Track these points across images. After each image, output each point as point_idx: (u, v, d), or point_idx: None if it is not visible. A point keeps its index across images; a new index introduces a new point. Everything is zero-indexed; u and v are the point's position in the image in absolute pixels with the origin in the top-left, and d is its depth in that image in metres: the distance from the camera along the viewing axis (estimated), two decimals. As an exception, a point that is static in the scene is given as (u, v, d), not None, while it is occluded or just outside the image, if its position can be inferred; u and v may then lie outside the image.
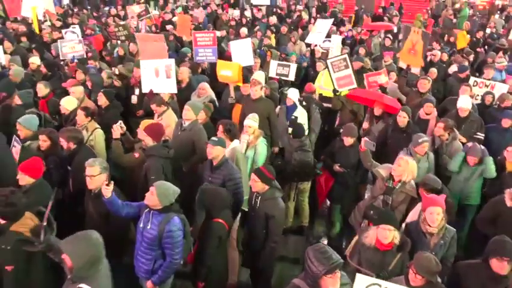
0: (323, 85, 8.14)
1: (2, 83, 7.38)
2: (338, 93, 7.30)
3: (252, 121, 5.64)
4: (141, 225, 3.87)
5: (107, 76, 7.62)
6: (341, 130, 6.96)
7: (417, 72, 8.31)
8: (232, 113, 7.06)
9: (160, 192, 3.74)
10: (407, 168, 4.60)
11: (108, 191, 3.80)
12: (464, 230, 5.56)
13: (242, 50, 8.17)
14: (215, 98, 6.96)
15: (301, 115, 6.50)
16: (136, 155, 5.14)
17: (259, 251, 4.37)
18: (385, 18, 17.46)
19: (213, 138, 4.77)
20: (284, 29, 13.14)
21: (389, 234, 3.67)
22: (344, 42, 11.91)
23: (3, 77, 7.70)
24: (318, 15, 16.74)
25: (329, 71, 7.34)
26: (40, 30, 11.75)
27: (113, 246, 3.69)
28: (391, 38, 11.85)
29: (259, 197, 4.33)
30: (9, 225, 3.41)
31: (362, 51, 10.38)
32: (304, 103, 6.88)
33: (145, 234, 3.81)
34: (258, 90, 6.49)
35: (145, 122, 5.38)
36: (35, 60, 8.55)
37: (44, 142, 4.92)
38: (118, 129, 5.22)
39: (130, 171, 5.29)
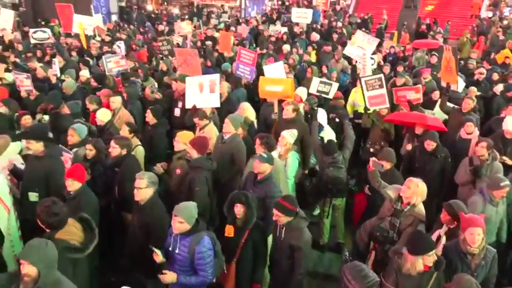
0: (358, 102, 8.14)
1: (50, 95, 7.86)
2: (368, 112, 7.26)
3: (289, 134, 5.72)
4: (170, 248, 3.87)
5: (151, 91, 7.83)
6: (371, 149, 6.98)
7: (455, 88, 8.17)
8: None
9: (187, 217, 3.75)
10: (416, 190, 4.42)
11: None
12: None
13: (276, 73, 8.19)
14: (254, 120, 7.03)
15: (328, 135, 6.49)
16: (178, 171, 5.29)
17: (285, 282, 4.22)
18: (429, 35, 17.18)
19: (263, 154, 4.83)
20: (328, 48, 13.12)
21: (428, 260, 3.59)
22: (385, 59, 11.83)
23: (56, 88, 8.22)
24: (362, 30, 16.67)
25: (362, 89, 7.32)
26: (88, 45, 12.39)
27: (150, 261, 3.86)
28: (437, 55, 11.63)
29: (284, 228, 4.14)
30: (54, 233, 3.50)
31: (400, 68, 10.28)
32: (337, 119, 6.90)
33: (176, 257, 3.83)
34: (290, 111, 6.49)
35: (181, 134, 5.62)
36: (84, 73, 9.03)
37: (90, 151, 5.18)
38: (160, 169, 5.40)
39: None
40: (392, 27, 20.67)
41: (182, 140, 5.51)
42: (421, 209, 4.48)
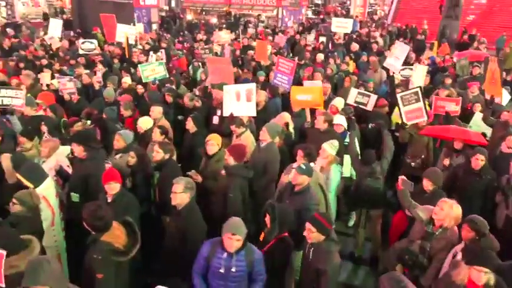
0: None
1: (95, 101, 8.20)
2: (406, 127, 7.11)
3: (329, 147, 5.68)
4: (222, 270, 3.74)
5: (189, 99, 7.93)
6: (411, 163, 6.81)
7: (500, 101, 7.90)
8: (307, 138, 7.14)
9: (243, 233, 3.73)
10: (450, 213, 4.16)
11: None
12: None
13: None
14: (292, 131, 7.05)
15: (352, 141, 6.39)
16: (223, 172, 5.34)
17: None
18: (472, 46, 16.71)
19: (302, 165, 4.79)
20: (364, 58, 13.07)
21: (484, 277, 3.36)
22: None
23: (99, 95, 8.58)
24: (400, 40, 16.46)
25: (398, 104, 7.19)
26: (130, 53, 12.84)
27: (185, 265, 3.92)
28: (479, 66, 11.28)
29: (312, 249, 3.97)
30: (100, 236, 3.60)
31: (448, 81, 10.03)
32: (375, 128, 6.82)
33: (232, 275, 3.74)
34: (321, 121, 6.48)
35: (214, 136, 5.74)
36: (127, 80, 9.36)
37: (132, 158, 5.34)
38: (199, 177, 5.41)
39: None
40: (431, 37, 20.25)
41: (216, 142, 5.62)
42: (454, 232, 4.24)
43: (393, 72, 10.44)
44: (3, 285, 3.17)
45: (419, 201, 4.93)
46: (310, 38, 17.75)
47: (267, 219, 4.13)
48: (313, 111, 7.36)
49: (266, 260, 3.95)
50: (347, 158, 6.15)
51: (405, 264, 4.25)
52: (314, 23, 27.20)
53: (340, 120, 6.78)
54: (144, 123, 6.59)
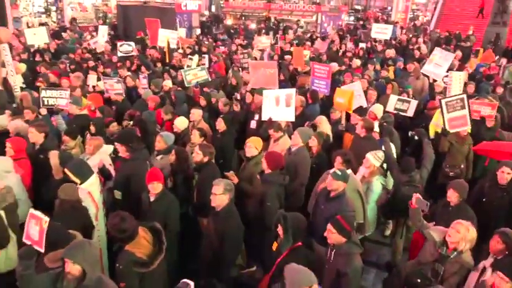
0: (439, 123, 7.79)
1: (137, 103, 8.45)
2: (447, 134, 6.88)
3: (373, 157, 5.57)
4: None
5: (224, 104, 7.96)
6: (450, 172, 6.58)
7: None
8: (343, 141, 7.09)
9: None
10: (466, 236, 3.96)
11: None
12: None
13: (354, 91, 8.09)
14: (330, 133, 7.02)
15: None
16: (259, 176, 5.42)
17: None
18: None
19: (337, 171, 4.75)
20: (400, 64, 12.82)
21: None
22: (471, 78, 11.21)
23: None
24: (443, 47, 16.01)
25: (441, 110, 6.98)
26: (171, 57, 13.18)
27: (222, 265, 3.99)
28: (527, 74, 10.83)
29: (334, 250, 3.96)
30: (124, 245, 3.63)
31: (499, 90, 9.66)
32: (416, 137, 6.64)
33: None
34: (359, 127, 6.43)
35: (253, 139, 5.79)
36: (167, 83, 9.60)
37: (172, 156, 5.48)
38: (235, 178, 5.45)
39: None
40: (477, 44, 19.59)
41: (254, 145, 5.69)
42: (468, 256, 4.04)
43: (434, 80, 10.18)
44: (43, 250, 3.33)
45: (444, 215, 4.83)
46: (350, 44, 17.55)
47: (280, 229, 4.04)
48: (349, 115, 7.38)
49: (279, 273, 3.87)
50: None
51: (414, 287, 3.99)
52: (353, 28, 26.89)
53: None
54: (180, 123, 6.74)
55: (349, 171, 5.26)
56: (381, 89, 9.62)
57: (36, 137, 5.81)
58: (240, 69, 11.86)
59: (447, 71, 10.07)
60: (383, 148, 6.14)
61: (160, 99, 8.43)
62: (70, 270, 3.08)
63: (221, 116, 7.07)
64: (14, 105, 7.90)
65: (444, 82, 9.97)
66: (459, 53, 14.69)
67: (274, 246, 4.17)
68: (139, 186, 5.01)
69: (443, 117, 6.96)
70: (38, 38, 13.50)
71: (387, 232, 6.64)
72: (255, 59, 13.22)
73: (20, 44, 14.50)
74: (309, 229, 4.86)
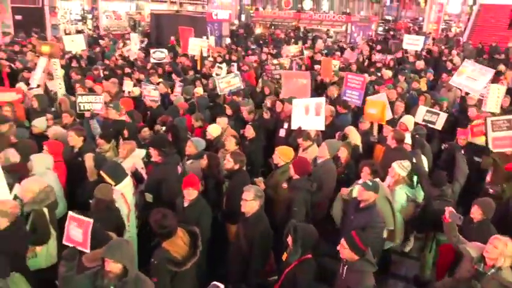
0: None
1: (170, 109, 8.64)
2: (490, 153, 6.69)
3: (398, 166, 5.55)
4: None
5: (248, 112, 7.96)
6: (490, 190, 6.32)
7: None
8: (374, 153, 7.05)
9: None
10: (504, 251, 3.82)
11: None
12: None
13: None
14: (359, 144, 6.97)
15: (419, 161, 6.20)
16: (284, 185, 5.46)
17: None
18: None
19: (368, 181, 4.75)
20: (430, 76, 12.62)
21: None
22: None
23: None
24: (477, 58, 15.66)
25: (486, 129, 6.80)
26: (202, 65, 13.41)
27: (250, 271, 4.03)
28: None
29: (346, 266, 3.88)
30: (162, 242, 3.78)
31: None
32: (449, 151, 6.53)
33: None
34: (390, 138, 6.36)
35: (281, 149, 5.83)
36: (199, 90, 9.77)
37: (204, 161, 5.58)
38: (262, 184, 5.54)
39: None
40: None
41: (282, 153, 5.73)
42: (508, 273, 3.88)
43: (467, 93, 9.93)
44: (89, 251, 3.47)
45: (466, 231, 4.67)
46: (379, 54, 17.39)
47: (289, 240, 3.99)
48: (381, 126, 7.31)
49: (287, 283, 3.92)
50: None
51: None
52: (384, 39, 26.66)
53: (406, 139, 6.59)
54: (213, 130, 6.85)
55: (377, 179, 5.27)
56: (413, 101, 9.49)
57: (75, 141, 6.04)
58: (268, 79, 11.94)
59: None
60: (414, 160, 6.08)
61: (189, 106, 8.62)
62: (111, 269, 3.19)
63: (250, 123, 7.15)
64: (53, 109, 8.24)
65: (480, 94, 9.73)
66: (502, 66, 14.32)
67: (284, 256, 4.13)
68: (170, 190, 5.15)
69: (486, 136, 6.78)
70: (75, 44, 13.99)
71: (407, 248, 6.52)
72: (285, 68, 13.29)
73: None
74: (337, 239, 4.90)
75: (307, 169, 5.33)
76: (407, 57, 15.83)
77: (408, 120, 7.47)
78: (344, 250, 3.81)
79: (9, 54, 13.65)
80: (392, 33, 30.45)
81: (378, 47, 19.64)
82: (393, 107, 8.43)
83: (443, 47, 20.26)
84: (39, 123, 6.82)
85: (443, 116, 7.85)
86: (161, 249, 3.73)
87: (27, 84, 9.45)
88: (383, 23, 38.87)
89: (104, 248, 3.27)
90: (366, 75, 11.30)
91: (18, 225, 4.09)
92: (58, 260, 4.52)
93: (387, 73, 12.35)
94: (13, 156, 5.33)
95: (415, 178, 5.92)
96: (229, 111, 8.08)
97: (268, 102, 8.62)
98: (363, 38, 27.15)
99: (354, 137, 6.87)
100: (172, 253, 3.70)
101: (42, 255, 4.45)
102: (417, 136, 7.06)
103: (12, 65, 11.50)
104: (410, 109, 8.80)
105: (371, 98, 8.41)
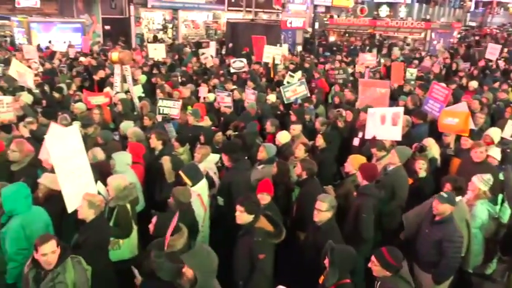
0: None
1: (243, 115, 8.81)
2: None
3: (479, 180, 5.21)
4: None
5: (320, 123, 7.88)
6: None
7: None
8: (450, 166, 6.64)
9: None
10: None
11: None
12: None
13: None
14: (437, 157, 6.61)
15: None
16: (355, 193, 5.37)
17: None
18: None
19: (443, 193, 4.58)
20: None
21: None
22: None
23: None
24: None
25: None
26: (275, 73, 13.54)
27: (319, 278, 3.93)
28: None
29: (379, 283, 3.77)
30: (253, 223, 4.09)
31: None
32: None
33: None
34: (478, 153, 5.96)
35: (354, 157, 5.76)
36: (271, 97, 9.89)
37: (274, 168, 5.62)
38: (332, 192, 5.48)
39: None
40: None
41: (354, 162, 5.65)
42: None
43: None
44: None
45: None
46: (462, 63, 16.43)
47: (326, 262, 3.79)
48: (458, 137, 6.91)
49: None
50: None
51: None
52: (466, 46, 25.10)
53: (493, 153, 6.18)
54: (283, 137, 6.89)
55: (460, 198, 4.98)
56: (500, 113, 8.84)
57: (155, 143, 6.38)
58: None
59: None
60: (501, 177, 5.65)
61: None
62: (185, 272, 3.30)
63: (321, 132, 7.08)
64: (135, 112, 8.80)
65: None
66: None
67: (321, 279, 3.92)
68: (239, 194, 5.22)
69: None
70: (157, 52, 14.86)
71: (489, 271, 6.02)
72: (355, 75, 13.04)
73: (142, 59, 16.01)
74: (411, 253, 4.74)
75: (375, 174, 5.26)
76: (492, 65, 14.80)
77: (495, 133, 6.96)
78: (375, 267, 3.71)
79: (99, 61, 14.79)
80: (476, 38, 28.63)
81: (460, 55, 18.60)
82: (473, 118, 7.90)
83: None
84: (124, 127, 7.27)
85: None
86: (258, 229, 4.05)
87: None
88: (466, 29, 36.69)
89: (186, 252, 3.41)
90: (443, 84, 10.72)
91: (102, 219, 4.42)
92: (139, 252, 4.86)
93: (473, 84, 11.58)
94: (100, 154, 5.77)
95: (500, 196, 5.53)
96: (293, 118, 8.09)
97: (342, 110, 8.50)
98: (443, 45, 25.75)
99: (434, 150, 6.55)
100: (266, 228, 4.04)
101: (126, 247, 4.76)
102: (508, 150, 6.57)
103: (103, 72, 12.39)
104: (495, 121, 8.20)
105: (449, 108, 7.97)
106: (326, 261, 3.79)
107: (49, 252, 3.54)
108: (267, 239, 4.02)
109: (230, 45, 21.78)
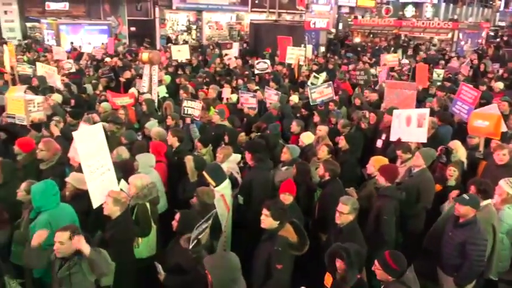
0: None
1: (265, 116, 8.82)
2: None
3: (505, 183, 5.05)
4: None
5: (342, 126, 7.74)
6: None
7: None
8: (478, 170, 6.46)
9: None
10: None
11: None
12: None
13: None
14: (464, 160, 6.47)
15: None
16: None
17: None
18: None
19: (465, 195, 4.52)
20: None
21: None
22: None
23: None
24: None
25: None
26: (299, 74, 13.49)
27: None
28: None
29: (382, 287, 3.74)
30: (277, 230, 4.05)
31: None
32: None
33: None
34: (501, 155, 5.81)
35: (376, 159, 5.70)
36: (294, 98, 9.87)
37: (293, 169, 5.61)
38: (354, 194, 5.42)
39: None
40: None
41: (376, 164, 5.58)
42: None
43: None
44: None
45: None
46: (490, 63, 16.00)
47: (341, 264, 3.72)
48: (488, 141, 6.71)
49: None
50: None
51: None
52: (496, 46, 24.45)
53: None
54: (306, 138, 6.88)
55: (488, 201, 4.87)
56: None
57: (171, 140, 6.53)
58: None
59: None
60: None
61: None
62: (208, 274, 3.31)
63: (343, 134, 7.02)
64: (159, 112, 8.91)
65: None
66: None
67: (329, 280, 3.86)
68: (260, 194, 5.30)
69: None
70: (181, 53, 15.01)
71: None
72: (374, 76, 12.88)
73: (166, 60, 16.21)
74: (436, 257, 4.71)
75: (396, 174, 5.23)
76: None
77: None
78: (377, 271, 3.68)
79: (124, 62, 15.05)
80: (505, 38, 27.81)
81: (488, 56, 18.13)
82: (505, 121, 7.66)
83: None
84: (150, 126, 7.38)
85: None
86: (280, 237, 3.99)
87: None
88: (495, 29, 35.70)
89: (209, 256, 3.46)
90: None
91: (127, 216, 4.49)
92: (157, 252, 4.91)
93: (499, 85, 11.29)
94: (125, 153, 5.87)
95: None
96: (316, 118, 8.05)
97: (366, 111, 8.40)
98: (470, 46, 25.16)
99: (461, 153, 6.40)
100: (290, 239, 3.97)
101: (144, 246, 4.81)
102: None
103: (129, 72, 12.58)
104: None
105: (479, 110, 7.75)
106: (340, 263, 3.74)
107: (57, 241, 3.66)
108: (287, 250, 3.95)
109: (244, 45, 21.77)
